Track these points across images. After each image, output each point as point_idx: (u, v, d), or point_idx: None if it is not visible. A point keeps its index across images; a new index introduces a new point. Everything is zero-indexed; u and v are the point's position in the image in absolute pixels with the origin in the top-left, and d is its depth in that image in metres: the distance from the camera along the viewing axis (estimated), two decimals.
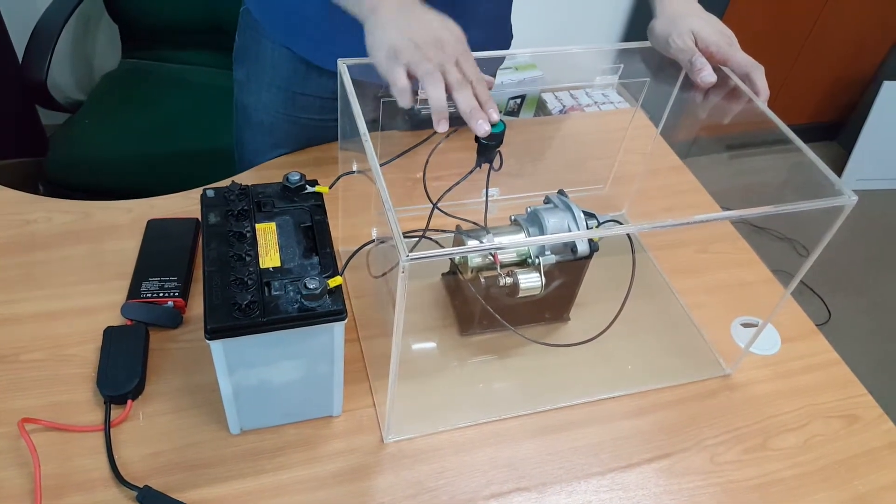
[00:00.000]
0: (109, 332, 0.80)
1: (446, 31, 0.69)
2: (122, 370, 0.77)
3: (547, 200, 0.86)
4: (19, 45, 1.52)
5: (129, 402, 0.75)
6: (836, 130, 2.82)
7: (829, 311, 2.16)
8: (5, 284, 0.86)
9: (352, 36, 0.86)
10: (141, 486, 0.69)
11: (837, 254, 2.31)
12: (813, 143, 2.80)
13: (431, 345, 0.89)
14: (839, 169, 2.65)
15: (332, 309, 0.63)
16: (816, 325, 0.96)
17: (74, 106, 1.63)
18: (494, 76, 1.09)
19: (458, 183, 0.81)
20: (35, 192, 1.00)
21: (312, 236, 0.70)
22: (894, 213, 2.60)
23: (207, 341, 0.62)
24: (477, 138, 0.80)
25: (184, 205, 0.98)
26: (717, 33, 0.82)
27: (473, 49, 0.74)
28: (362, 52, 0.75)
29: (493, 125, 0.69)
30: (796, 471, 0.80)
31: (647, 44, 0.85)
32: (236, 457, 0.73)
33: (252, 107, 1.09)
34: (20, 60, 1.49)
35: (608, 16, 2.53)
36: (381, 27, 0.70)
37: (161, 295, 0.84)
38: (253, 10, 1.02)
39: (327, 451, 0.75)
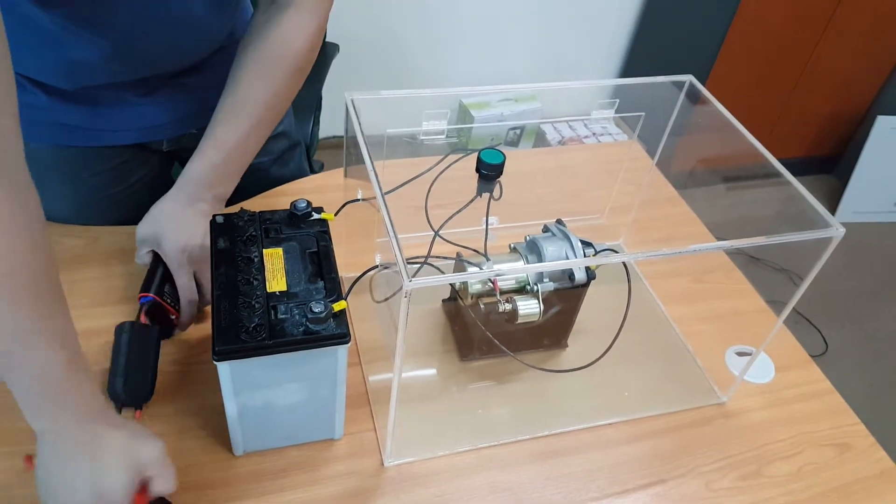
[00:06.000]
0: (123, 330, 0.78)
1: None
2: (135, 373, 0.76)
3: (545, 229, 0.88)
4: None
5: (138, 412, 0.75)
6: (832, 164, 2.85)
7: (825, 343, 2.17)
8: None
9: (103, 113, 0.94)
10: None
11: (834, 285, 2.34)
12: (810, 176, 2.84)
13: (432, 370, 0.91)
14: (835, 201, 2.68)
15: (336, 332, 0.65)
16: (814, 357, 0.98)
17: None
18: None
19: (459, 211, 0.83)
20: None
21: (318, 262, 0.72)
22: (890, 246, 2.63)
23: (215, 363, 0.64)
24: (478, 168, 0.83)
25: None
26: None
27: None
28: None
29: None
30: (790, 498, 0.81)
31: (642, 80, 0.88)
32: (240, 478, 0.75)
33: (47, 209, 1.04)
34: None
35: (606, 52, 2.58)
36: (42, 468, 0.60)
37: (174, 306, 0.84)
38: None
39: (328, 473, 0.76)
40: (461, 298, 0.86)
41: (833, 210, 2.67)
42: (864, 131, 2.61)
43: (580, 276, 0.83)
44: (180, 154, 1.11)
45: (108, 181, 1.04)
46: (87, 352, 0.83)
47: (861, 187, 2.64)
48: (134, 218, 0.90)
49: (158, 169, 1.11)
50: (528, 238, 0.87)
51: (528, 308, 0.82)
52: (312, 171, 1.30)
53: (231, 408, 0.70)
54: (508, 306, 0.82)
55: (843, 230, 0.71)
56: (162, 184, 1.14)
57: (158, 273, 0.84)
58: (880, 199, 2.69)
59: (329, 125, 1.47)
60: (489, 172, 0.82)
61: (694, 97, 0.91)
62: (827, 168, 2.86)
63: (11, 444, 0.74)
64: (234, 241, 0.73)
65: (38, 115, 0.92)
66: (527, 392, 0.89)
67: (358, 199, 0.81)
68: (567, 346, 0.93)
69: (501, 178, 0.83)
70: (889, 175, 2.62)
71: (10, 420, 0.76)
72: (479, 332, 0.84)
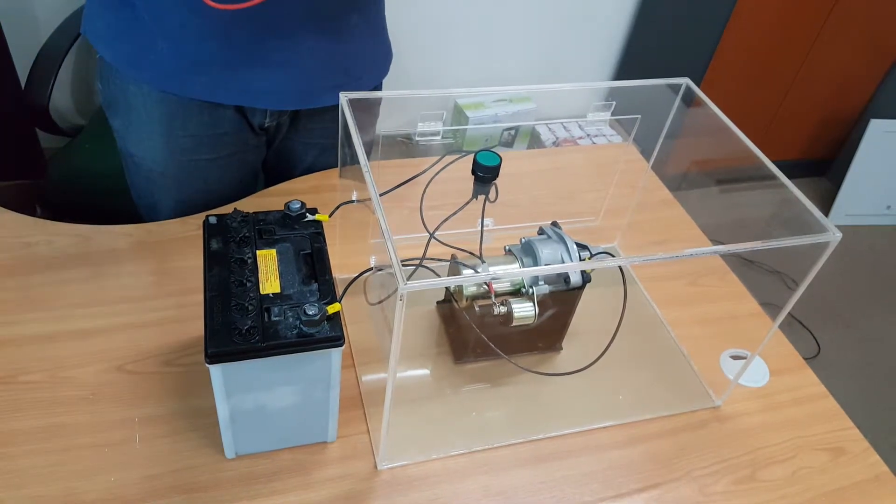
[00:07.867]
0: None
1: None
2: None
3: (541, 231, 0.87)
4: (23, 69, 1.54)
5: None
6: (825, 166, 2.86)
7: (818, 345, 2.18)
8: (5, 306, 0.87)
9: (214, 64, 0.90)
10: None
11: (826, 288, 2.34)
12: (803, 179, 2.85)
13: (425, 372, 0.90)
14: (828, 204, 2.69)
15: (330, 335, 0.65)
16: (806, 359, 0.98)
17: (74, 130, 1.65)
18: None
19: (454, 213, 0.83)
20: (32, 213, 1.01)
21: (312, 263, 0.71)
22: (882, 248, 2.64)
23: (207, 365, 0.63)
24: (474, 170, 0.82)
25: (183, 230, 1.00)
26: None
27: (356, 65, 0.83)
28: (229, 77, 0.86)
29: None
30: (784, 502, 0.81)
31: (637, 82, 0.88)
32: (231, 481, 0.74)
33: (140, 156, 1.07)
34: (23, 85, 1.51)
35: (601, 54, 2.58)
36: None
37: None
38: (107, 57, 0.99)
39: (321, 476, 0.76)
40: (456, 301, 0.86)
41: (826, 212, 2.68)
42: (857, 134, 2.62)
43: (575, 278, 0.83)
44: (275, 135, 1.11)
45: (200, 146, 1.03)
46: (78, 353, 0.83)
47: (854, 190, 2.65)
48: (216, 192, 0.91)
49: (252, 151, 1.10)
50: (523, 240, 0.86)
51: (523, 311, 0.82)
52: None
53: (223, 410, 0.69)
54: (503, 309, 0.82)
55: (839, 235, 0.70)
56: (252, 169, 1.15)
57: None
58: (873, 202, 2.70)
59: None
60: (485, 175, 0.81)
61: (689, 99, 0.91)
62: (820, 171, 2.87)
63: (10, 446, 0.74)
64: (228, 242, 0.72)
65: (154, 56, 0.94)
66: (521, 395, 0.88)
67: (353, 201, 0.81)
68: (562, 348, 0.93)
69: (497, 180, 0.83)
70: (882, 178, 2.63)
71: (8, 421, 0.76)
72: (474, 334, 0.84)
